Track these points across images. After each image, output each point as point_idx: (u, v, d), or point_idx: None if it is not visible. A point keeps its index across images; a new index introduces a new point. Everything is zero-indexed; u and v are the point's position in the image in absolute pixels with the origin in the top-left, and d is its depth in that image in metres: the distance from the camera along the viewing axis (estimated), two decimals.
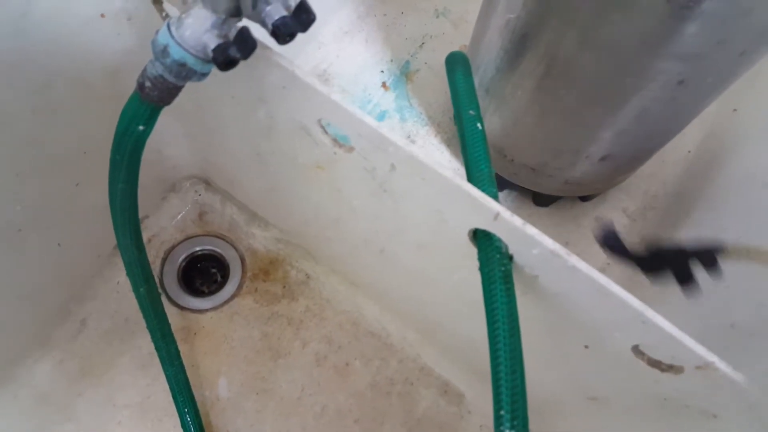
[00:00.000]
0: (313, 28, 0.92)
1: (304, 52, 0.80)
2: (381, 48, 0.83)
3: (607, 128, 0.53)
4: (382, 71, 0.82)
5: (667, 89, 0.47)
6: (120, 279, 0.65)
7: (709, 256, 0.40)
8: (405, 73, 0.82)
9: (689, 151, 0.78)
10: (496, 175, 0.71)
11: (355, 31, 0.84)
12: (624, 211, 0.75)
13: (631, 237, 0.73)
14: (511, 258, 0.37)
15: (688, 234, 0.62)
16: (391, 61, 0.83)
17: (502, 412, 0.32)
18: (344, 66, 0.81)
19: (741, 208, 0.56)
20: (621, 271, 0.71)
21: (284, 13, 0.33)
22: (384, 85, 0.81)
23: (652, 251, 0.42)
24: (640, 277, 0.66)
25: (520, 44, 0.53)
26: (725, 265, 0.40)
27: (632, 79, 0.46)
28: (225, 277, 0.69)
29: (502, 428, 0.32)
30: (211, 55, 0.32)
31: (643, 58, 0.44)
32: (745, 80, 0.66)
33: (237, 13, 0.32)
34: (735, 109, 0.74)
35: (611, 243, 0.42)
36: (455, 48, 0.84)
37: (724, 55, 0.44)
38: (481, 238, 0.37)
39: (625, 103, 0.49)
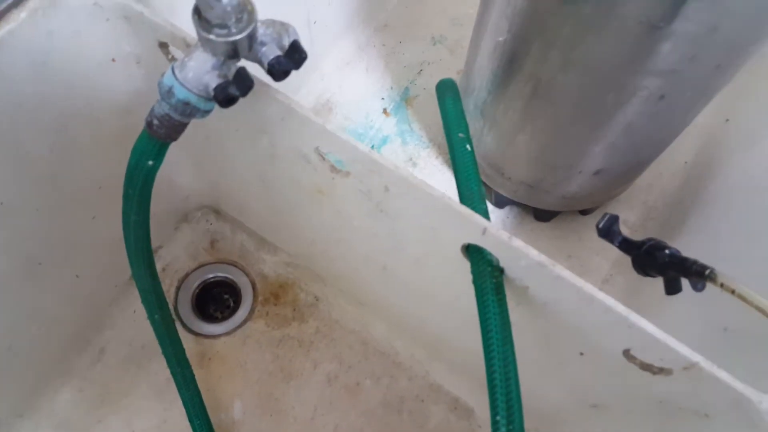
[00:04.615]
0: (316, 60, 0.95)
1: (307, 84, 0.84)
2: (381, 76, 0.87)
3: (597, 143, 0.55)
4: (383, 98, 0.85)
5: (650, 104, 0.49)
6: (136, 307, 0.67)
7: (698, 277, 0.40)
8: (405, 99, 0.85)
9: (686, 162, 0.79)
10: (498, 193, 0.73)
11: (355, 62, 0.87)
12: (624, 222, 0.76)
13: None
14: (502, 271, 0.39)
15: (682, 244, 0.63)
16: (391, 88, 0.86)
17: (498, 417, 0.34)
18: (346, 95, 0.84)
19: (732, 215, 0.57)
20: (624, 281, 0.72)
21: (278, 52, 0.36)
22: (385, 111, 0.84)
23: (649, 251, 0.42)
24: (642, 286, 0.67)
25: (508, 67, 0.55)
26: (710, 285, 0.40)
27: (614, 96, 0.48)
28: (237, 302, 0.71)
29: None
30: (212, 93, 0.35)
31: (622, 76, 0.46)
32: (735, 91, 0.68)
33: (235, 54, 0.35)
34: (727, 119, 0.75)
35: (609, 234, 0.43)
36: (452, 73, 0.87)
37: (701, 70, 0.46)
38: (473, 252, 0.39)
39: (611, 118, 0.51)
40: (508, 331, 0.36)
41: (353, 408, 0.65)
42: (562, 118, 0.54)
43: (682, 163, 0.79)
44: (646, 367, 0.38)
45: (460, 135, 0.44)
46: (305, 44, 0.37)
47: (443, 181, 0.79)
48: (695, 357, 0.34)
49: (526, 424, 0.34)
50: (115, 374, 0.64)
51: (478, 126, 0.67)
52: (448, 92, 0.47)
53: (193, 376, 0.60)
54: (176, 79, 0.35)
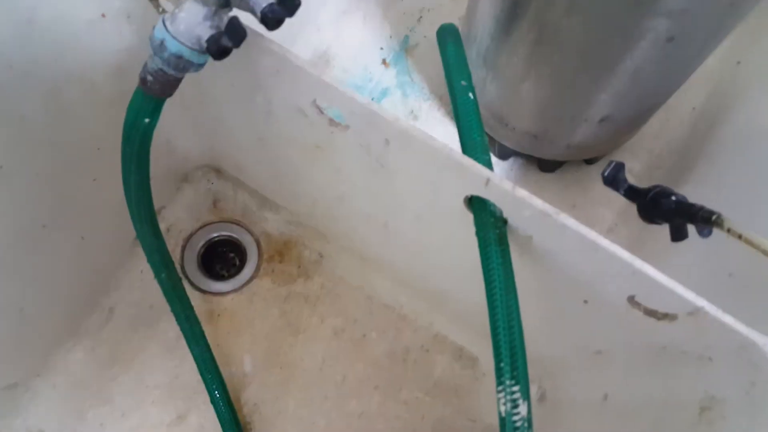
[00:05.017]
0: (311, 11, 0.92)
1: (302, 36, 0.81)
2: (379, 25, 0.84)
3: (602, 90, 0.54)
4: (382, 48, 0.83)
5: (658, 47, 0.47)
6: (143, 267, 0.67)
7: (704, 223, 0.40)
8: (405, 49, 0.83)
9: (693, 108, 0.77)
10: (501, 144, 0.72)
11: (352, 10, 0.84)
12: (629, 171, 0.75)
13: None
14: (505, 222, 0.38)
15: (689, 191, 0.63)
16: (390, 37, 0.83)
17: (502, 365, 0.34)
18: (344, 46, 0.82)
19: (741, 161, 0.57)
20: (628, 231, 0.72)
21: (271, 0, 0.34)
22: (384, 62, 0.82)
23: (655, 198, 0.42)
24: (646, 236, 0.67)
25: (511, 11, 0.53)
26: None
27: (621, 40, 0.47)
28: (242, 260, 0.71)
29: (502, 379, 0.34)
30: (205, 45, 0.34)
31: (629, 17, 0.44)
32: (748, 31, 0.66)
33: (226, 4, 0.34)
34: (738, 62, 0.73)
35: (615, 182, 0.42)
36: (453, 19, 0.83)
37: (712, 8, 0.44)
38: (475, 204, 0.39)
39: (617, 63, 0.50)
40: (511, 281, 0.36)
41: (360, 359, 0.66)
42: (567, 64, 0.52)
43: (690, 110, 0.77)
44: (650, 313, 0.38)
45: (462, 83, 0.43)
46: None
47: (445, 134, 0.78)
48: (700, 302, 0.34)
49: (531, 370, 0.34)
50: (125, 334, 0.65)
51: (480, 75, 0.65)
52: (449, 38, 0.46)
53: (202, 331, 0.61)
54: (168, 32, 0.34)
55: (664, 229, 0.42)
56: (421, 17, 0.85)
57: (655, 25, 0.45)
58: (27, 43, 0.41)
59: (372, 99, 0.80)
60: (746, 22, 0.50)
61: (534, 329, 0.39)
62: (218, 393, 0.61)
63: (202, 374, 0.61)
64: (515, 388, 0.33)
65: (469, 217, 0.40)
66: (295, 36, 0.80)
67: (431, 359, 0.66)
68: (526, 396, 0.33)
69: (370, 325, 0.67)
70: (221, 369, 0.62)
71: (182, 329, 0.60)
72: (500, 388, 0.33)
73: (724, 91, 0.73)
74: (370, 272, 0.69)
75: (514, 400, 0.32)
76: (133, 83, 0.39)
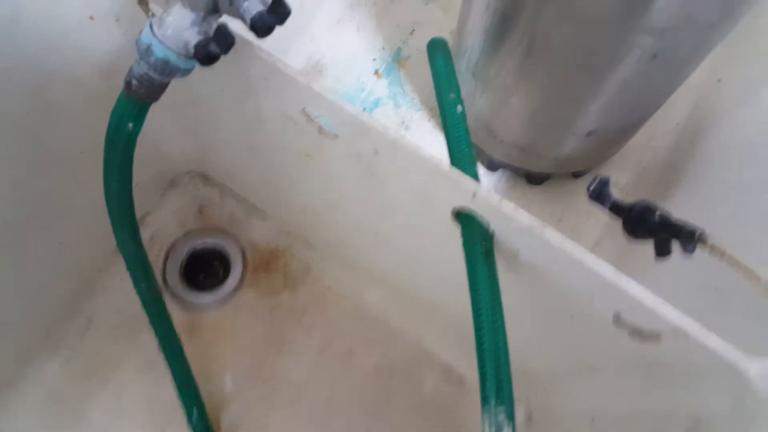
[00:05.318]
0: (305, 20, 0.92)
1: (296, 44, 0.81)
2: (372, 36, 0.84)
3: (589, 104, 0.54)
4: (375, 59, 0.83)
5: (642, 63, 0.48)
6: (124, 275, 0.65)
7: (688, 240, 0.40)
8: (397, 60, 0.83)
9: (678, 123, 0.78)
10: (490, 156, 0.72)
11: (346, 21, 0.85)
12: (616, 184, 0.76)
13: None
14: (492, 235, 0.38)
15: (675, 206, 0.63)
16: (383, 48, 0.84)
17: (486, 384, 0.34)
18: (337, 56, 0.82)
19: (723, 177, 0.57)
20: (615, 244, 0.72)
21: (261, 7, 0.34)
22: (377, 72, 0.82)
23: (639, 213, 0.41)
24: (633, 248, 0.67)
25: (500, 25, 0.54)
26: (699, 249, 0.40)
27: (607, 55, 0.47)
28: (227, 270, 0.70)
29: (487, 400, 0.33)
30: (192, 51, 0.34)
31: (615, 34, 0.45)
32: (728, 51, 0.67)
33: (215, 10, 0.34)
34: (719, 80, 0.74)
35: (600, 197, 0.42)
36: (445, 33, 0.85)
37: (694, 28, 0.45)
38: (463, 216, 0.38)
39: (603, 78, 0.50)
40: (497, 297, 0.36)
41: (346, 375, 0.64)
42: (555, 78, 0.53)
43: (675, 125, 0.78)
44: (635, 330, 0.38)
45: (451, 95, 0.43)
46: (294, 2, 0.35)
47: (436, 145, 0.77)
48: (684, 320, 0.34)
49: (517, 388, 0.33)
50: (104, 344, 0.63)
51: (470, 88, 0.65)
52: (439, 51, 0.46)
53: (180, 346, 0.58)
54: (155, 36, 0.33)
55: (650, 243, 0.42)
56: (413, 30, 0.85)
57: (639, 42, 0.45)
58: (10, 39, 0.40)
59: (364, 109, 0.80)
60: (726, 42, 0.50)
61: (520, 345, 0.38)
62: (197, 412, 0.59)
63: (179, 392, 0.59)
64: (500, 410, 0.32)
65: (458, 229, 0.39)
66: (288, 45, 0.80)
67: (419, 377, 0.64)
68: (511, 418, 0.32)
69: (357, 339, 0.66)
70: (201, 385, 0.60)
71: (160, 344, 0.57)
72: (484, 409, 0.33)
73: (707, 107, 0.74)
74: (358, 283, 0.67)
75: (498, 423, 0.32)
76: (120, 85, 0.38)
